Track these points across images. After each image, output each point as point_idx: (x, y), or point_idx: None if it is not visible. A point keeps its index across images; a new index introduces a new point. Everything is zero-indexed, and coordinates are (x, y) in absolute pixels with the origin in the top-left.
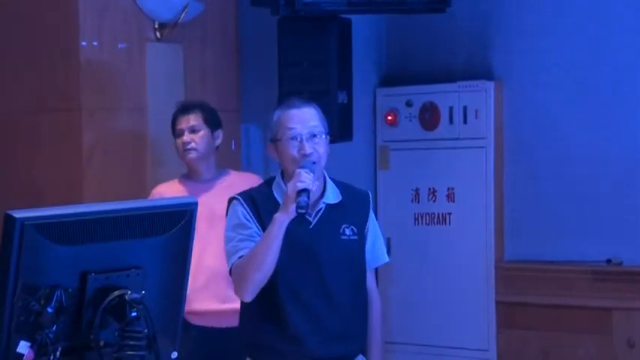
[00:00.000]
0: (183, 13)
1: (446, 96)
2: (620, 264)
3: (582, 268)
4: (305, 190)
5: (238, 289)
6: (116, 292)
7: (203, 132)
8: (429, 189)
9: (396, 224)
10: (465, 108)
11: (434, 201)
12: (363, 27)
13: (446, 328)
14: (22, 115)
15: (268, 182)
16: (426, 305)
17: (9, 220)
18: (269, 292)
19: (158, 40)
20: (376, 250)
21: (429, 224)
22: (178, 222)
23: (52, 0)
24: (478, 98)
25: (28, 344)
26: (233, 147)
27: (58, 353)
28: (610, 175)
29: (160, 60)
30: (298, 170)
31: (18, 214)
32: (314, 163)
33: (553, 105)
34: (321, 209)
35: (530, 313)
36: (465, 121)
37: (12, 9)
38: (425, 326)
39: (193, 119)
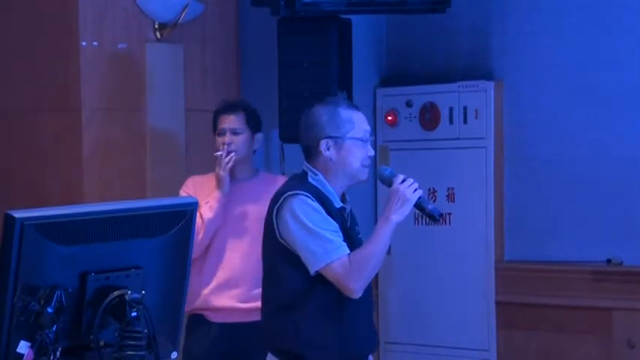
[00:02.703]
0: (183, 13)
1: (446, 96)
2: (620, 264)
3: (582, 268)
4: (421, 197)
5: (352, 286)
6: (116, 292)
7: (244, 135)
8: (429, 189)
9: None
10: (465, 108)
11: (434, 201)
12: (363, 27)
13: (446, 328)
14: (22, 115)
15: (303, 180)
16: (426, 305)
17: (9, 220)
18: (334, 292)
19: (158, 40)
20: None
21: (429, 224)
22: (178, 222)
23: (52, 0)
24: (478, 98)
25: (28, 344)
26: None
27: (58, 353)
28: (610, 175)
29: (160, 60)
30: (403, 176)
31: (18, 214)
32: None
33: (553, 105)
34: (349, 211)
35: (530, 313)
36: (465, 122)
37: (12, 9)
38: (425, 326)
39: (236, 121)
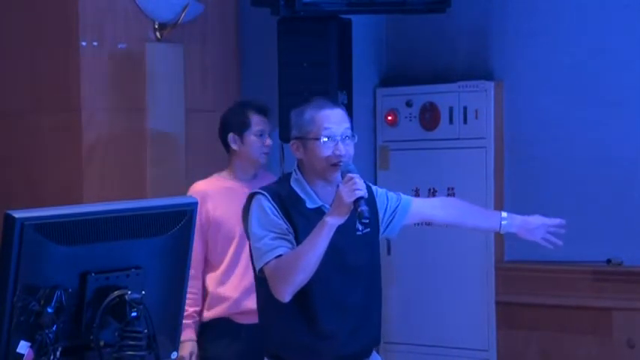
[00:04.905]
0: (183, 13)
1: (446, 96)
2: (620, 264)
3: (582, 268)
4: (362, 198)
5: (278, 289)
6: (116, 292)
7: None
8: (429, 189)
9: None
10: (465, 108)
11: None
12: (363, 27)
13: (446, 328)
14: (22, 115)
15: (286, 178)
16: (426, 305)
17: (9, 220)
18: (301, 291)
19: (158, 40)
20: (396, 201)
21: (429, 224)
22: (178, 222)
23: (52, 0)
24: (478, 98)
25: (28, 344)
26: None
27: (58, 353)
28: (610, 175)
29: (160, 60)
30: (350, 175)
31: (18, 214)
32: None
33: (553, 105)
34: None
35: (530, 313)
36: (465, 122)
37: (12, 9)
38: (425, 326)
39: (269, 124)
